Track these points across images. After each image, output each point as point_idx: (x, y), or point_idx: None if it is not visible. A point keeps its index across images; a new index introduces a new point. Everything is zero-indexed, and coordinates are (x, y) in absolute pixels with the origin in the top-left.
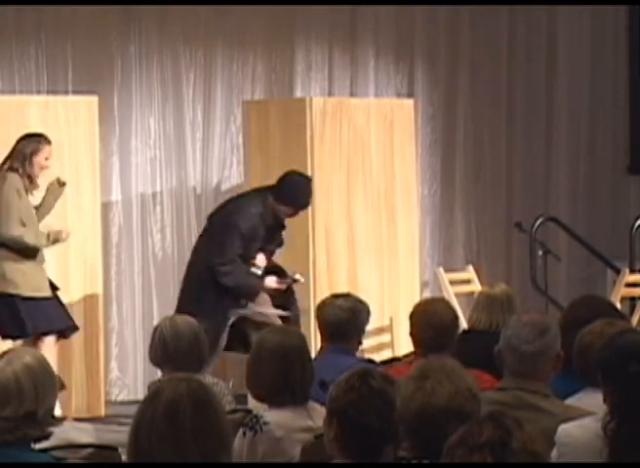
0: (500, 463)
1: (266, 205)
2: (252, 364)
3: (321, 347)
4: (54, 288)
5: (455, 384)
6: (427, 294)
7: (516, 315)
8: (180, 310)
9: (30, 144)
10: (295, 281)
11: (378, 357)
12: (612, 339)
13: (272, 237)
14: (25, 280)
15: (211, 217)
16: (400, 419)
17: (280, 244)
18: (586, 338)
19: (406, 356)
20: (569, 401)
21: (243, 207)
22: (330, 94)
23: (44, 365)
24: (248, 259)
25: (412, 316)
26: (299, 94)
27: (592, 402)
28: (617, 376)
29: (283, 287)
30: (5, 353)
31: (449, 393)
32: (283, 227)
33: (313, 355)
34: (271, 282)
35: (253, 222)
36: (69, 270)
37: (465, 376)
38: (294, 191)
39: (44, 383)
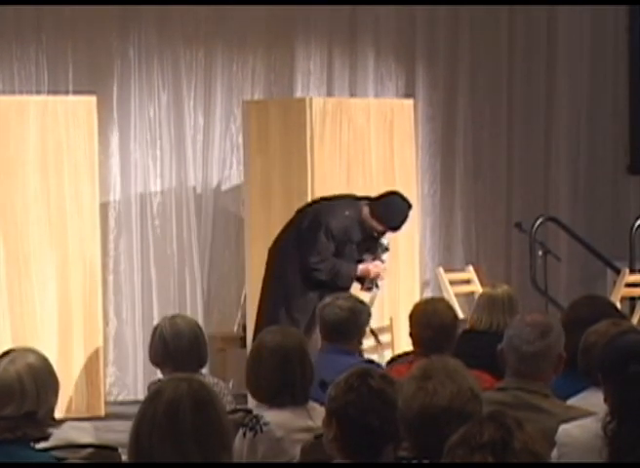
0: (500, 463)
1: (360, 214)
2: (251, 364)
3: (321, 347)
4: None
5: (457, 384)
6: (428, 294)
7: (520, 315)
8: (270, 311)
9: None
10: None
11: (378, 357)
12: (612, 340)
13: (366, 248)
14: None
15: (300, 212)
16: (401, 419)
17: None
18: (591, 338)
19: (406, 354)
20: (573, 400)
21: (336, 208)
22: (330, 94)
23: (47, 365)
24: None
25: (412, 316)
26: (299, 94)
27: (596, 401)
28: (617, 377)
29: (376, 270)
30: (8, 352)
31: (451, 393)
32: (375, 240)
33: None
34: (364, 267)
35: (344, 224)
36: (69, 270)
37: (467, 376)
38: (391, 211)
39: (46, 384)
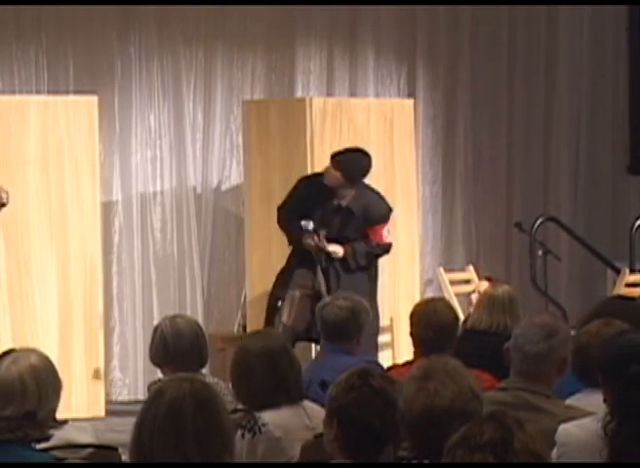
0: (501, 463)
1: (325, 171)
2: (240, 373)
3: (321, 347)
4: None
5: (457, 385)
6: (429, 294)
7: (527, 315)
8: None
9: None
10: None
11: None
12: (612, 340)
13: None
14: None
15: None
16: (402, 419)
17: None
18: (583, 338)
19: (407, 363)
20: (568, 401)
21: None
22: (330, 94)
23: (49, 366)
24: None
25: (412, 316)
26: (299, 94)
27: (592, 402)
28: (617, 377)
29: (312, 242)
30: (10, 351)
31: (452, 394)
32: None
33: (314, 355)
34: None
35: (309, 180)
36: (69, 270)
37: (468, 376)
38: (342, 153)
39: (48, 384)
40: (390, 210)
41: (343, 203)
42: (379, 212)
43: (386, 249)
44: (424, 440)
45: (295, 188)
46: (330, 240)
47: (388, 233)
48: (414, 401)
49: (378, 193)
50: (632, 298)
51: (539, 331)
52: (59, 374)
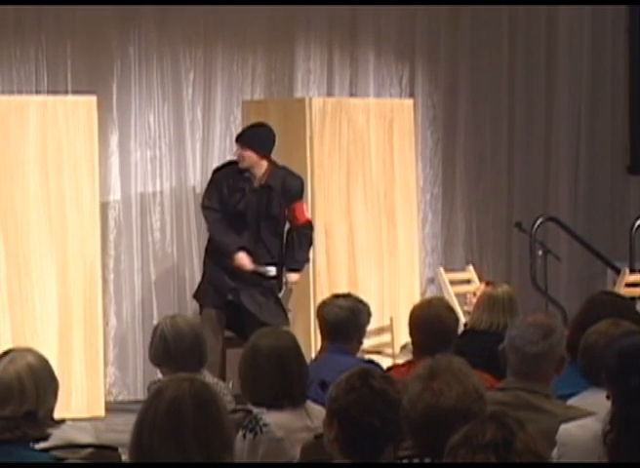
0: (503, 463)
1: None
2: (247, 370)
3: (321, 347)
4: None
5: (462, 385)
6: (430, 294)
7: (522, 315)
8: None
9: None
10: (263, 275)
11: (378, 357)
12: (616, 341)
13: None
14: None
15: None
16: (406, 418)
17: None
18: (591, 338)
19: (407, 363)
20: (573, 400)
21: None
22: (330, 94)
23: (46, 365)
24: (230, 211)
25: (410, 317)
26: (299, 94)
27: (597, 401)
28: (620, 383)
29: (249, 267)
30: (7, 352)
31: (456, 394)
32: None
33: (313, 355)
34: (242, 258)
35: (223, 169)
36: (69, 270)
37: (472, 376)
38: (244, 132)
39: (45, 384)
40: (303, 182)
41: (260, 182)
42: (296, 184)
43: (312, 229)
44: (427, 439)
45: (210, 181)
46: (258, 217)
47: (307, 208)
48: (418, 400)
49: (286, 168)
50: (617, 294)
51: (536, 330)
52: (54, 373)
